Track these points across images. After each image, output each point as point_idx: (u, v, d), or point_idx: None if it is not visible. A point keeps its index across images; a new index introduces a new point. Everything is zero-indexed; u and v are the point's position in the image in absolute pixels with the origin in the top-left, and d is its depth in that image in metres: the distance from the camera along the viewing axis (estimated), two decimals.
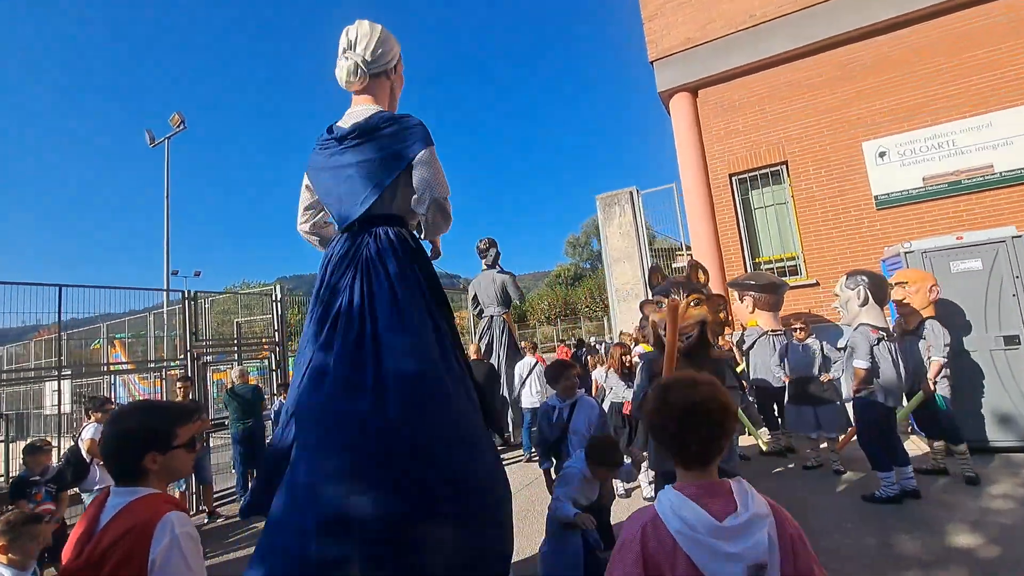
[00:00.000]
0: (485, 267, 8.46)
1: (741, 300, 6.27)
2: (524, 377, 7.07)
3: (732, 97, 8.19)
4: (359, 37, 2.64)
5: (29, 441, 4.44)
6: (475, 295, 8.46)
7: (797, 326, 5.63)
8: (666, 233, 9.35)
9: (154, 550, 1.32)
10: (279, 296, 7.99)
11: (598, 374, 6.24)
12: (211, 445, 6.84)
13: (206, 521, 5.95)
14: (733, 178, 8.13)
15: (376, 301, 2.32)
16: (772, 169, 7.91)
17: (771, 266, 7.91)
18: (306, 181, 2.78)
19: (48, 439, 4.55)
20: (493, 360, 7.74)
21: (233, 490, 6.82)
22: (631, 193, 8.84)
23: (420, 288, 2.46)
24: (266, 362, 8.10)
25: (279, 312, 7.92)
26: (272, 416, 7.44)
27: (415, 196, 2.53)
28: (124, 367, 10.31)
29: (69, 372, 8.07)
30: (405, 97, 3.04)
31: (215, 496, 6.47)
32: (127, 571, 1.31)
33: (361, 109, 2.66)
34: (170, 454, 1.53)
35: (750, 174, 8.04)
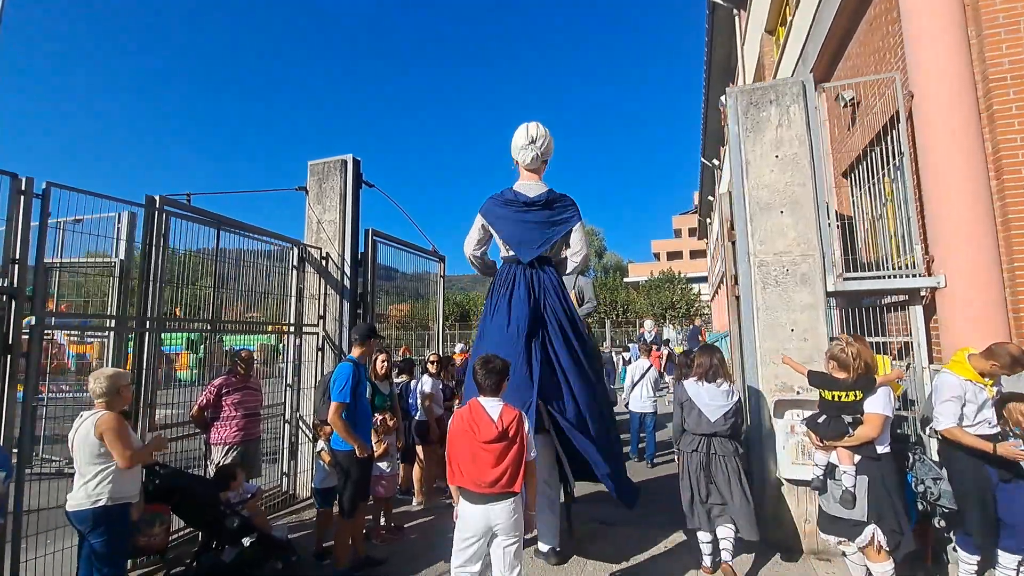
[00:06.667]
0: None
1: None
2: (636, 380, 7.07)
3: None
4: (538, 137, 4.27)
5: None
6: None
7: None
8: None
9: None
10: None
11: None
12: None
13: None
14: None
15: (548, 308, 4.16)
16: None
17: None
18: (482, 222, 4.37)
19: None
20: None
21: None
22: (802, 85, 4.57)
23: (563, 301, 4.28)
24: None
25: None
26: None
27: (571, 250, 4.34)
28: None
29: None
30: None
31: None
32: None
33: (535, 185, 4.34)
34: None
35: None
